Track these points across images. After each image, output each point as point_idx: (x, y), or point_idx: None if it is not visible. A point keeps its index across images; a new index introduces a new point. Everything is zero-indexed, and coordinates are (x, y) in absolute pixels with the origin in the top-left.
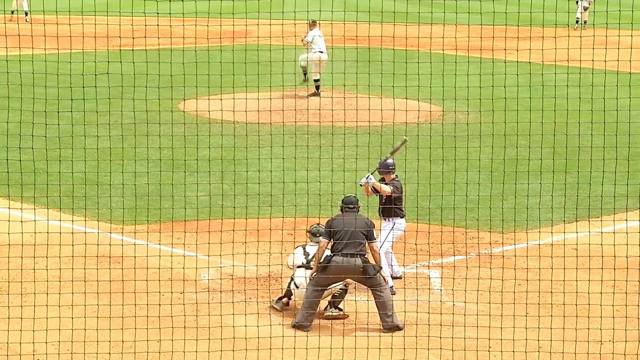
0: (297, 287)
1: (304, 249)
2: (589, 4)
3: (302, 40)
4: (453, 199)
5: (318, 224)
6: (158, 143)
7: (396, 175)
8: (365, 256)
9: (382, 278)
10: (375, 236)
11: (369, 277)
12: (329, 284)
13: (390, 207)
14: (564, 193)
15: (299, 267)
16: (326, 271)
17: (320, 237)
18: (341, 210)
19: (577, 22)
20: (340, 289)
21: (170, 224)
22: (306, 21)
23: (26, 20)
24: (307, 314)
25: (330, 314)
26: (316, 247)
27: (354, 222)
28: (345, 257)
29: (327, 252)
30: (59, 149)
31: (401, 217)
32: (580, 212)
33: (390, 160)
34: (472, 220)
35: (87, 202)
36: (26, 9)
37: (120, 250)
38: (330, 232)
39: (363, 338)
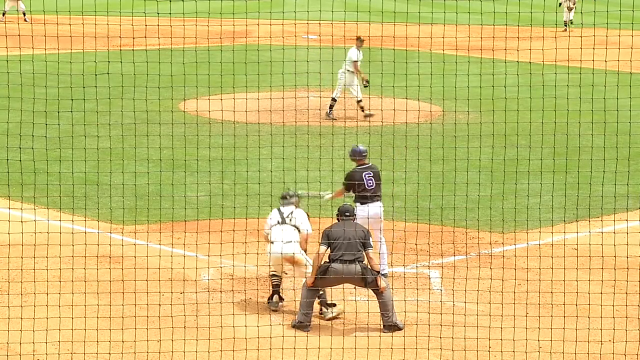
0: (272, 242)
1: (279, 210)
2: (574, 5)
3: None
4: (453, 199)
5: (289, 189)
6: (158, 143)
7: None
8: (364, 262)
9: (381, 281)
10: (371, 244)
11: (368, 282)
12: (327, 286)
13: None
14: (564, 193)
15: (273, 226)
16: (325, 277)
17: (320, 246)
18: (337, 218)
19: (565, 24)
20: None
21: (170, 224)
22: (356, 36)
23: (25, 20)
24: (305, 314)
25: (331, 315)
26: (291, 207)
27: (352, 230)
28: (344, 264)
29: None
30: (59, 149)
31: (362, 205)
32: (581, 212)
33: (361, 147)
34: (472, 220)
35: (87, 202)
36: (23, 8)
37: (120, 250)
38: (329, 241)
39: (363, 338)
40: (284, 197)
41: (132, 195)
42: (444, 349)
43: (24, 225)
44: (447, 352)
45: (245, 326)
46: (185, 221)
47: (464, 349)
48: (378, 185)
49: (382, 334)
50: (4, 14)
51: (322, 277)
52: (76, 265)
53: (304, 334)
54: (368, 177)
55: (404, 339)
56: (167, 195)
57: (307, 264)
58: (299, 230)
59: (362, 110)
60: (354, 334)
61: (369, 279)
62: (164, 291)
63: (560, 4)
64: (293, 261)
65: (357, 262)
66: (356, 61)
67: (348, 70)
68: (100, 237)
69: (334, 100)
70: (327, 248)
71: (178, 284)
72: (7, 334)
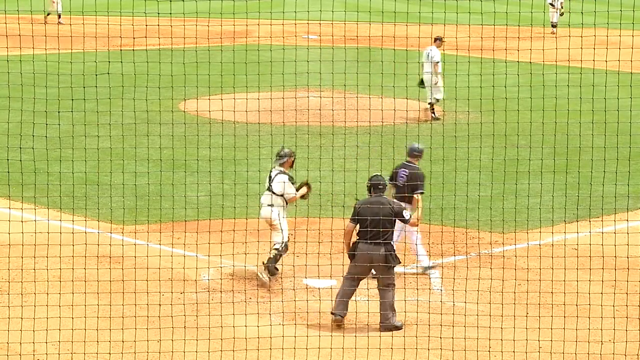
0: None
1: (271, 171)
2: (562, 7)
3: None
4: (453, 199)
5: (284, 147)
6: (158, 143)
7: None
8: (392, 244)
9: (394, 276)
10: (407, 216)
11: (388, 267)
12: (361, 272)
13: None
14: (565, 193)
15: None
16: (355, 260)
17: (348, 221)
18: (369, 190)
19: (552, 26)
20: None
21: (170, 224)
22: (434, 37)
23: (60, 22)
24: (342, 302)
25: (264, 278)
26: (277, 169)
27: (379, 207)
28: (370, 245)
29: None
30: (59, 149)
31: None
32: (581, 212)
33: (416, 146)
34: (472, 220)
35: (87, 202)
36: (60, 10)
37: (120, 250)
38: (357, 217)
39: (363, 338)
40: (277, 155)
41: (132, 195)
42: (444, 349)
43: (24, 225)
44: (447, 352)
45: (245, 326)
46: (185, 221)
47: (464, 349)
48: (406, 186)
49: (382, 334)
50: (48, 14)
51: (352, 259)
52: (76, 265)
53: (304, 333)
54: (402, 173)
55: (404, 339)
56: (167, 195)
57: (282, 230)
58: (276, 194)
59: (433, 112)
60: (354, 334)
61: (390, 262)
62: (164, 291)
63: (551, 4)
64: (270, 224)
65: (382, 245)
66: (438, 62)
67: (427, 72)
68: (100, 237)
69: (430, 104)
70: (356, 224)
71: (178, 284)
72: (7, 334)
